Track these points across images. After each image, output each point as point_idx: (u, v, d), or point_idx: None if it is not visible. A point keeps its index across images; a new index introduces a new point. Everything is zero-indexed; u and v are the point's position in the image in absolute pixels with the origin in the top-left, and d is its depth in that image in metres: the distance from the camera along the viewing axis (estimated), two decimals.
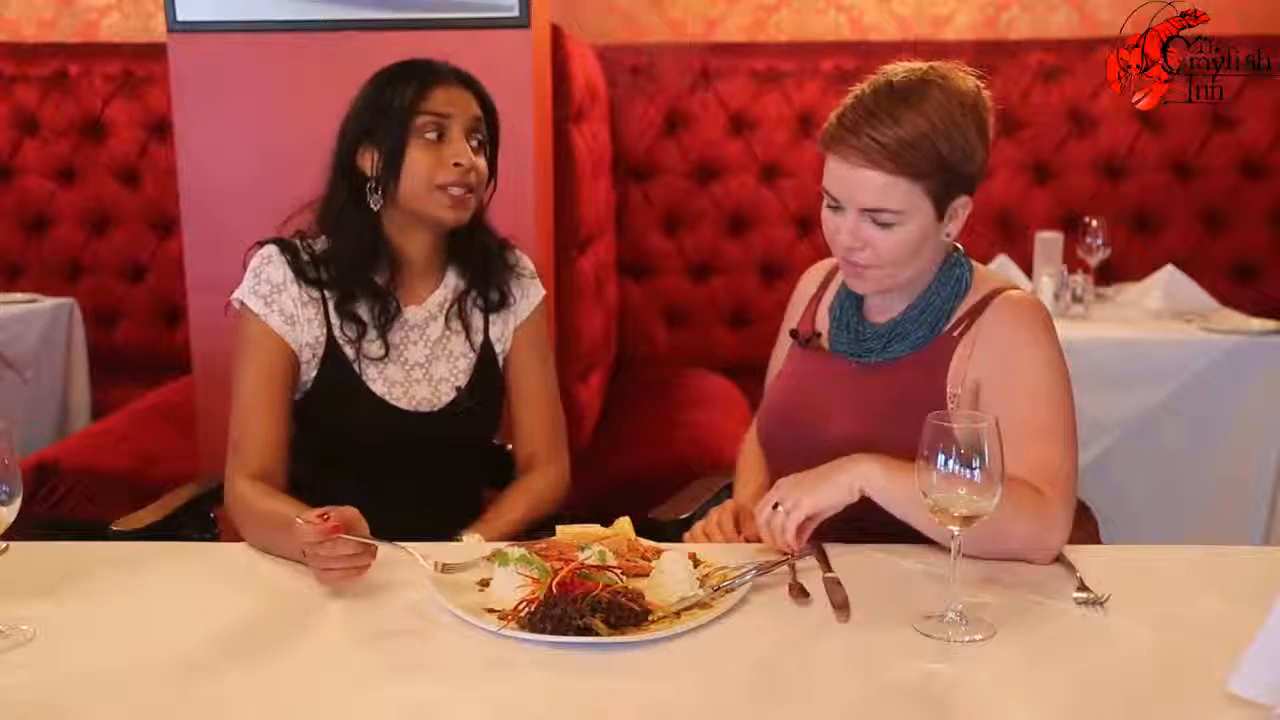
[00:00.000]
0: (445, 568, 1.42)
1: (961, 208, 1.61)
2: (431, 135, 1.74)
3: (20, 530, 1.37)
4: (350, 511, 1.45)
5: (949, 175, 1.56)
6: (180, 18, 2.62)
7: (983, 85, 1.62)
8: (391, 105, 1.75)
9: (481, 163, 1.79)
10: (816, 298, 1.83)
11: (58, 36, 4.32)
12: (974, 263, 1.71)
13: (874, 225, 1.57)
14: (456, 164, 1.74)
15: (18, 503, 1.32)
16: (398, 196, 1.76)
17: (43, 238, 4.25)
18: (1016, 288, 1.69)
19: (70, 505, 2.98)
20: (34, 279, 4.16)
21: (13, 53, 4.25)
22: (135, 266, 4.23)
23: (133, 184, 4.20)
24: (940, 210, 1.59)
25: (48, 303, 3.68)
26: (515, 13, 2.56)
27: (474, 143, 1.78)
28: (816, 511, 1.49)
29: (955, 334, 1.64)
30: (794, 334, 1.81)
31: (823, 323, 1.78)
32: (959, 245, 1.69)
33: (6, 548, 1.51)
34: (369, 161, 1.77)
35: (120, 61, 4.17)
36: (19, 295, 3.74)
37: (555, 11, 2.96)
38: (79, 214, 4.22)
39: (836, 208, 1.60)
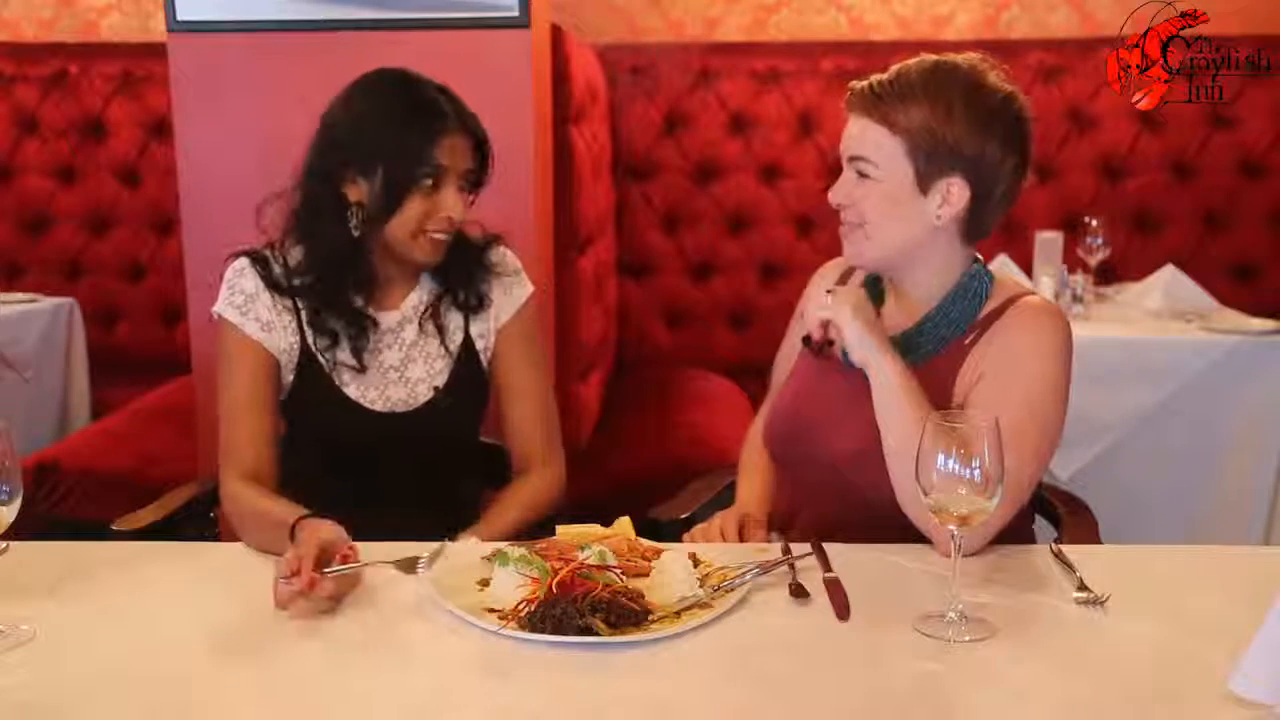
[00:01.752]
0: (400, 565, 1.44)
1: (956, 190, 1.59)
2: (427, 183, 1.72)
3: (20, 530, 1.37)
4: (325, 533, 1.44)
5: (933, 144, 1.57)
6: (180, 18, 2.62)
7: (1014, 97, 1.62)
8: (394, 149, 1.70)
9: (468, 206, 1.78)
10: None
11: (58, 36, 4.32)
12: (996, 274, 1.70)
13: (857, 178, 1.61)
14: (448, 218, 1.74)
15: (18, 503, 1.32)
16: (381, 233, 1.75)
17: (43, 238, 4.25)
18: (1036, 294, 1.69)
19: (70, 505, 2.97)
20: (34, 279, 4.16)
21: (13, 53, 4.24)
22: (135, 266, 4.23)
23: (133, 184, 4.20)
24: (924, 182, 1.59)
25: (48, 303, 3.68)
26: (515, 13, 2.55)
27: (465, 187, 1.76)
28: (828, 323, 1.62)
29: (967, 343, 1.64)
30: (806, 341, 1.79)
31: (836, 331, 1.77)
32: (979, 256, 1.69)
33: (6, 548, 1.51)
34: (356, 191, 1.74)
35: (120, 61, 4.17)
36: (19, 295, 3.74)
37: (555, 11, 2.96)
38: (79, 214, 4.22)
39: (842, 170, 1.65)
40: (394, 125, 1.72)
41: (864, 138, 1.60)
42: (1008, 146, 1.60)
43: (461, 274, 1.85)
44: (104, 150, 4.20)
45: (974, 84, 1.59)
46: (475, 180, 1.78)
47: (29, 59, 4.22)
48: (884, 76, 1.61)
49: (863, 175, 1.61)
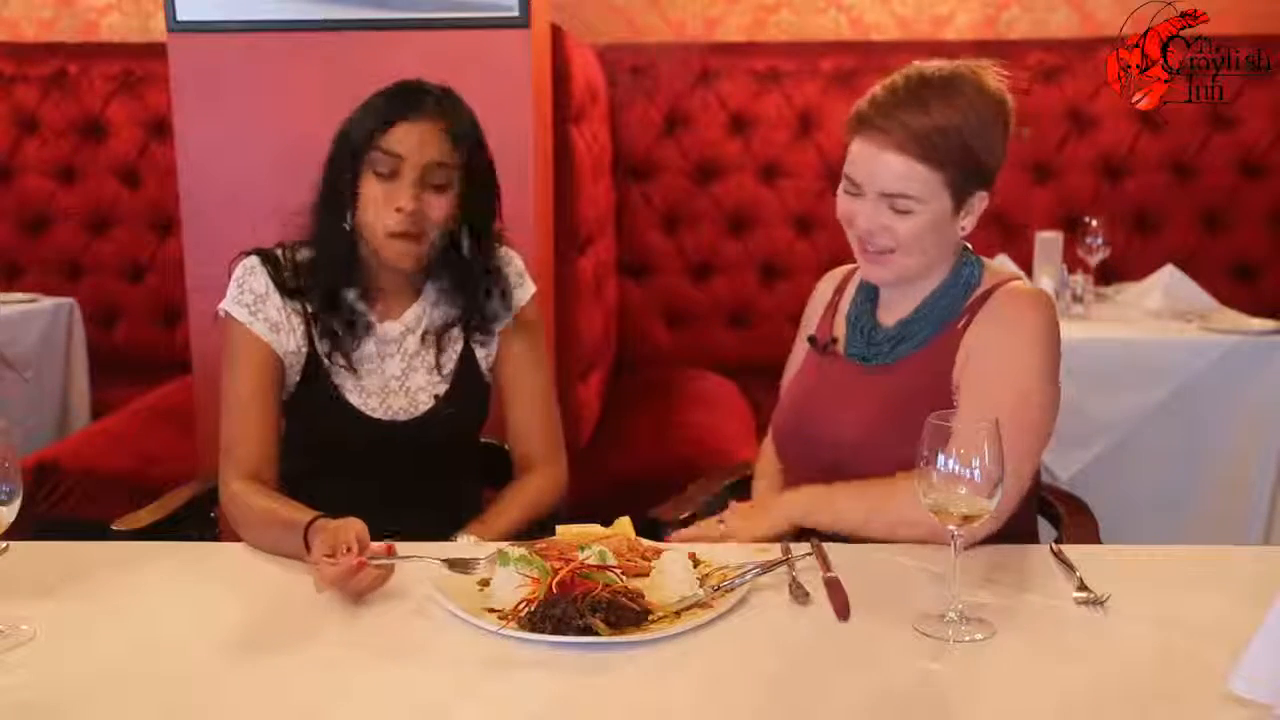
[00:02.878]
0: (452, 564, 1.43)
1: (979, 202, 1.63)
2: (383, 171, 1.70)
3: (20, 530, 1.37)
4: (356, 526, 1.43)
5: (971, 169, 1.59)
6: (180, 18, 2.62)
7: (1007, 88, 1.64)
8: (353, 134, 1.72)
9: (437, 205, 1.71)
10: (834, 304, 1.85)
11: (58, 36, 4.32)
12: (985, 260, 1.72)
13: (892, 211, 1.59)
14: (398, 209, 1.69)
15: (18, 503, 1.32)
16: (358, 227, 1.75)
17: (43, 238, 4.25)
18: (1021, 279, 1.70)
19: (70, 505, 2.98)
20: (34, 279, 4.16)
21: (13, 53, 4.24)
22: (135, 266, 4.23)
23: (133, 184, 4.20)
24: (958, 203, 1.61)
25: (48, 303, 3.68)
26: (515, 13, 2.55)
27: (433, 184, 1.71)
28: (753, 541, 1.60)
29: (960, 326, 1.65)
30: (811, 340, 1.83)
31: (840, 328, 1.79)
32: (969, 245, 1.71)
33: (6, 548, 1.51)
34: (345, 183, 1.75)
35: (120, 61, 4.17)
36: (19, 295, 3.74)
37: (555, 11, 2.96)
38: (79, 214, 4.22)
39: (855, 193, 1.62)
40: (366, 114, 1.74)
41: (900, 174, 1.57)
42: (1005, 147, 1.65)
43: (469, 298, 1.82)
44: (104, 150, 4.20)
45: (988, 93, 1.61)
46: (446, 179, 1.72)
47: (29, 59, 4.22)
48: (909, 105, 1.56)
49: (902, 211, 1.59)
